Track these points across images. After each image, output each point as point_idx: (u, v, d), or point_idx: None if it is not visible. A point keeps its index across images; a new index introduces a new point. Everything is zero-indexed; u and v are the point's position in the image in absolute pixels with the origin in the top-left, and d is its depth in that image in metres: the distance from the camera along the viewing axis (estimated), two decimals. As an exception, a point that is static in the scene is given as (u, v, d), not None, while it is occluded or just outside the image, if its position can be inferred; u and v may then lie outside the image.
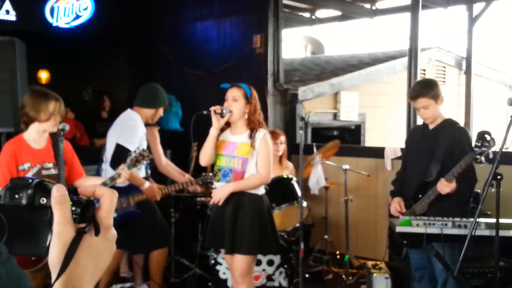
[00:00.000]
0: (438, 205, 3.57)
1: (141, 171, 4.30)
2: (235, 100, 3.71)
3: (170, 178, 4.82)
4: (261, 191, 3.74)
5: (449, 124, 3.71)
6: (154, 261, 4.50)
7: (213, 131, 3.74)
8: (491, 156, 3.21)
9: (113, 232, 0.92)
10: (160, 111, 4.53)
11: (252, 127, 3.71)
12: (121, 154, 4.13)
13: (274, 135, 5.37)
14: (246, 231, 3.60)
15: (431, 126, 3.75)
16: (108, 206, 0.91)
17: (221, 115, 3.70)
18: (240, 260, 3.62)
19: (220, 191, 3.65)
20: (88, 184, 3.68)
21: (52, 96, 3.46)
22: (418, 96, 3.65)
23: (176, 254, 5.22)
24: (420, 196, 3.65)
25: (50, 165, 3.49)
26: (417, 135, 3.88)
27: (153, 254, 4.48)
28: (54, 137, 3.54)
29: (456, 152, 3.51)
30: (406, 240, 3.43)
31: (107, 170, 4.25)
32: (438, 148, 3.60)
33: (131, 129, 4.26)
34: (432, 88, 3.68)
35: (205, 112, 3.77)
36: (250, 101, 3.72)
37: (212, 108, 3.72)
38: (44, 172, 3.44)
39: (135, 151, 3.90)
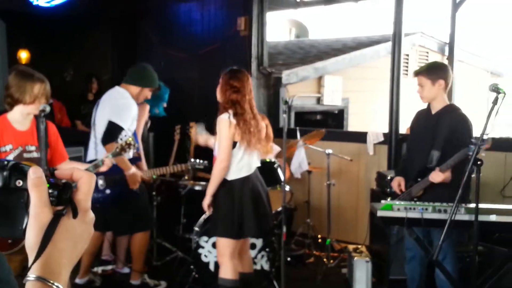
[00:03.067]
0: (433, 190, 3.60)
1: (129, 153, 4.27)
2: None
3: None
4: (231, 176, 3.75)
5: (451, 109, 3.73)
6: (137, 244, 4.50)
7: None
8: (483, 154, 3.23)
9: (91, 215, 0.91)
10: (146, 92, 4.48)
11: (220, 109, 3.77)
12: (113, 131, 4.20)
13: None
14: (213, 215, 3.85)
15: (433, 111, 3.77)
16: (86, 189, 0.90)
17: None
18: (217, 241, 3.90)
19: (204, 201, 3.81)
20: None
21: (37, 77, 3.38)
22: (417, 73, 3.80)
23: (158, 237, 5.21)
24: (419, 180, 3.69)
25: (33, 148, 3.42)
26: (421, 119, 3.92)
27: (135, 237, 4.47)
28: (40, 119, 3.49)
29: (455, 140, 3.54)
30: (388, 224, 3.47)
31: (100, 150, 4.24)
32: (439, 134, 3.63)
33: (124, 107, 4.28)
34: (434, 70, 3.74)
35: None
36: (221, 81, 3.80)
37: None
38: (25, 155, 3.38)
39: (121, 139, 3.91)
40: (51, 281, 0.84)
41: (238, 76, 3.77)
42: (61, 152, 3.66)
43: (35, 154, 3.43)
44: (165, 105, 5.27)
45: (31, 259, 0.84)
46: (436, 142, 3.63)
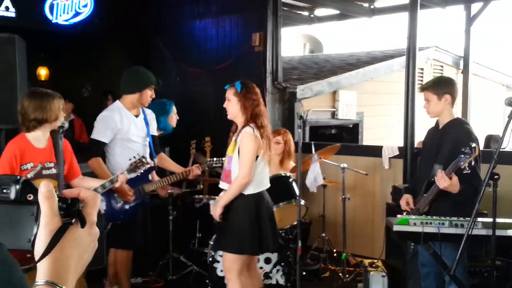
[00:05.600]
0: (438, 204, 3.58)
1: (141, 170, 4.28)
2: (228, 100, 3.75)
3: (169, 171, 4.79)
4: (249, 190, 3.67)
5: (456, 123, 3.71)
6: (118, 262, 4.36)
7: None
8: (472, 163, 3.21)
9: (96, 229, 0.97)
10: (148, 92, 4.29)
11: (243, 124, 3.67)
12: (91, 147, 4.18)
13: (272, 133, 5.39)
14: (227, 230, 3.71)
15: (440, 125, 3.77)
16: (93, 204, 0.96)
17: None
18: (223, 257, 3.79)
19: (214, 209, 3.74)
20: (85, 184, 3.70)
21: (54, 94, 3.47)
22: (424, 88, 3.79)
23: (174, 251, 5.24)
24: (425, 195, 3.67)
25: (51, 164, 3.50)
26: (430, 135, 3.91)
27: (116, 253, 4.35)
28: (55, 136, 3.56)
29: (458, 153, 3.52)
30: (404, 239, 3.45)
31: (113, 165, 4.25)
32: (443, 148, 3.61)
33: (101, 121, 4.20)
34: (440, 85, 3.73)
35: None
36: (239, 98, 3.68)
37: None
38: (44, 172, 3.44)
39: (134, 157, 3.92)
40: (60, 285, 0.87)
41: (254, 89, 3.72)
42: (76, 168, 3.74)
43: (54, 170, 3.49)
44: (176, 117, 5.17)
45: (40, 267, 0.88)
46: (440, 155, 3.61)
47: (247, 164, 3.58)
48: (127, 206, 4.18)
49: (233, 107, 3.71)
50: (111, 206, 4.18)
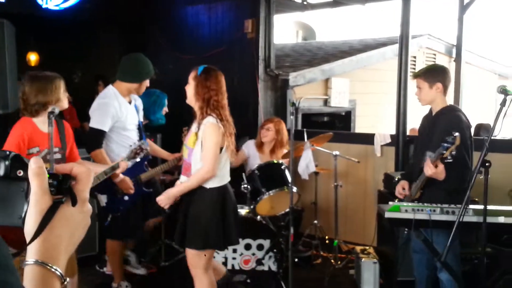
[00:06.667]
0: (429, 193, 3.59)
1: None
2: (188, 83, 3.54)
3: (159, 157, 4.78)
4: (213, 183, 3.46)
5: (447, 111, 3.72)
6: (110, 251, 4.43)
7: None
8: (454, 152, 3.21)
9: (89, 206, 0.94)
10: (146, 83, 4.29)
11: (199, 112, 3.44)
12: (93, 137, 4.06)
13: (265, 121, 5.39)
14: (189, 225, 3.49)
15: (433, 112, 3.78)
16: (85, 181, 0.93)
17: None
18: (187, 253, 3.55)
19: (165, 198, 3.54)
20: None
21: (54, 76, 3.43)
22: (416, 76, 3.81)
23: (166, 238, 5.24)
24: (416, 181, 3.70)
25: (56, 149, 3.46)
26: (425, 121, 3.93)
27: (108, 242, 4.42)
28: (60, 121, 3.53)
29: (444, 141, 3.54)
30: (395, 226, 3.47)
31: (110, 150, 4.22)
32: (435, 135, 3.62)
33: (100, 109, 4.08)
34: (432, 73, 3.73)
35: None
36: (196, 82, 3.45)
37: None
38: (49, 157, 3.41)
39: (135, 143, 3.88)
40: (50, 265, 0.86)
41: (213, 75, 3.46)
42: (76, 152, 3.72)
43: (58, 155, 3.47)
44: (166, 110, 5.19)
45: (30, 246, 0.86)
46: (431, 142, 3.62)
47: (212, 158, 3.37)
48: (126, 198, 4.16)
49: (189, 91, 3.51)
50: (111, 198, 4.17)
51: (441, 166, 3.31)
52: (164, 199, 3.55)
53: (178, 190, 3.53)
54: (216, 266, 3.89)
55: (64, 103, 3.45)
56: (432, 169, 3.33)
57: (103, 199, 4.18)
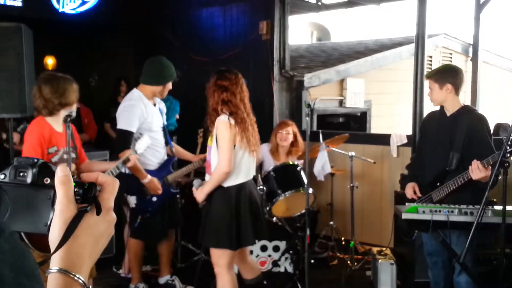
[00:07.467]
0: (456, 194, 3.50)
1: (155, 155, 4.30)
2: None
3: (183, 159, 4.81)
4: (229, 182, 3.54)
5: (466, 111, 3.67)
6: (131, 251, 4.46)
7: None
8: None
9: (113, 215, 0.94)
10: (169, 85, 4.35)
11: (211, 110, 3.57)
12: (122, 138, 4.11)
13: (281, 125, 5.37)
14: (206, 223, 3.61)
15: (448, 113, 3.71)
16: (110, 190, 0.93)
17: None
18: (210, 250, 3.64)
19: (198, 194, 3.63)
20: (95, 168, 3.72)
21: (68, 78, 3.49)
22: (427, 76, 3.80)
23: (182, 239, 5.25)
24: (438, 184, 3.62)
25: (71, 149, 3.51)
26: (434, 122, 3.85)
27: (130, 242, 4.45)
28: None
29: (476, 140, 3.49)
30: (412, 227, 3.43)
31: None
32: (457, 136, 3.56)
33: (127, 110, 4.14)
34: (442, 74, 3.69)
35: None
36: (210, 83, 3.59)
37: None
38: (65, 156, 3.46)
39: (141, 134, 3.94)
40: (73, 273, 0.86)
41: (226, 75, 3.56)
42: (83, 153, 3.78)
43: (73, 155, 3.52)
44: (177, 116, 5.25)
45: (54, 254, 0.87)
46: (454, 144, 3.56)
47: (225, 154, 3.44)
48: (154, 199, 4.23)
49: (208, 97, 3.63)
50: (141, 199, 4.22)
51: (490, 169, 3.23)
52: (198, 196, 3.63)
53: (206, 188, 3.58)
54: (253, 265, 3.95)
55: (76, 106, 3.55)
56: (483, 172, 3.25)
57: (132, 200, 4.23)
